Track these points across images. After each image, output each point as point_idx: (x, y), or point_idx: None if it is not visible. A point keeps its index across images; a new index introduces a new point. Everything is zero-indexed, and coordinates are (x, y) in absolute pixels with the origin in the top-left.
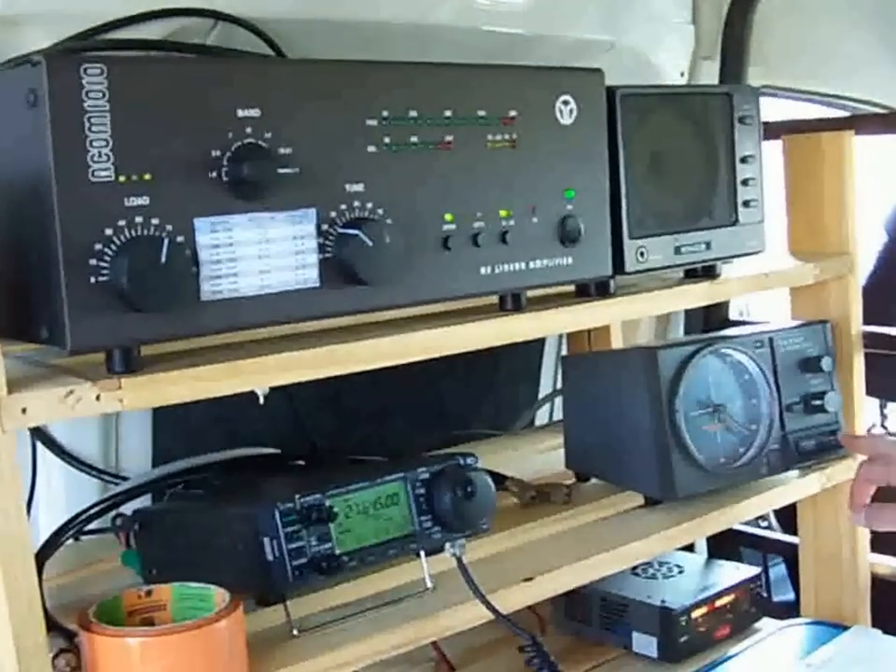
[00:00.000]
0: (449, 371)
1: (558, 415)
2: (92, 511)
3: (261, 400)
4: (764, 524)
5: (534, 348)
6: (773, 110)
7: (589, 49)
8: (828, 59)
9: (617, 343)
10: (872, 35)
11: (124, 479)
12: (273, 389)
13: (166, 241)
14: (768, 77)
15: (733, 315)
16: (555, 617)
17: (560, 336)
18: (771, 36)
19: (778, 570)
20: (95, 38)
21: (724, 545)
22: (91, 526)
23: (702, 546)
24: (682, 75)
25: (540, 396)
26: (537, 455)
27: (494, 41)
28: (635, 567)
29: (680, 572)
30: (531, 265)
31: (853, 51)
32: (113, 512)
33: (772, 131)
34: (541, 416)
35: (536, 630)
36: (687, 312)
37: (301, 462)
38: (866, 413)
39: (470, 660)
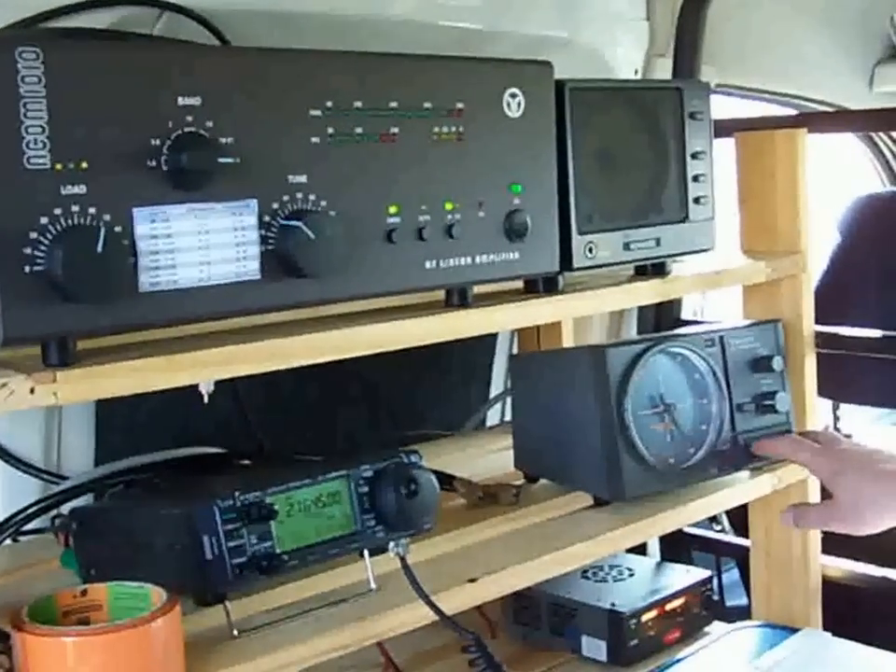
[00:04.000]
0: (399, 370)
1: (510, 415)
2: (31, 511)
3: (206, 399)
4: (718, 527)
5: (485, 347)
6: (725, 109)
7: (544, 45)
8: (780, 58)
9: (568, 342)
10: (823, 34)
11: (65, 478)
12: (218, 388)
13: (103, 230)
14: (721, 76)
15: (686, 315)
16: (505, 621)
17: (511, 335)
18: (724, 35)
19: (732, 575)
20: (38, 27)
21: (676, 548)
22: (30, 526)
23: (654, 548)
24: (636, 72)
25: (492, 395)
26: (487, 456)
27: (449, 36)
28: (585, 570)
29: (631, 575)
30: (477, 260)
31: (805, 51)
32: (53, 512)
33: (724, 128)
34: (493, 416)
35: (486, 634)
36: (640, 311)
37: (247, 462)
38: (818, 415)
39: (418, 664)
